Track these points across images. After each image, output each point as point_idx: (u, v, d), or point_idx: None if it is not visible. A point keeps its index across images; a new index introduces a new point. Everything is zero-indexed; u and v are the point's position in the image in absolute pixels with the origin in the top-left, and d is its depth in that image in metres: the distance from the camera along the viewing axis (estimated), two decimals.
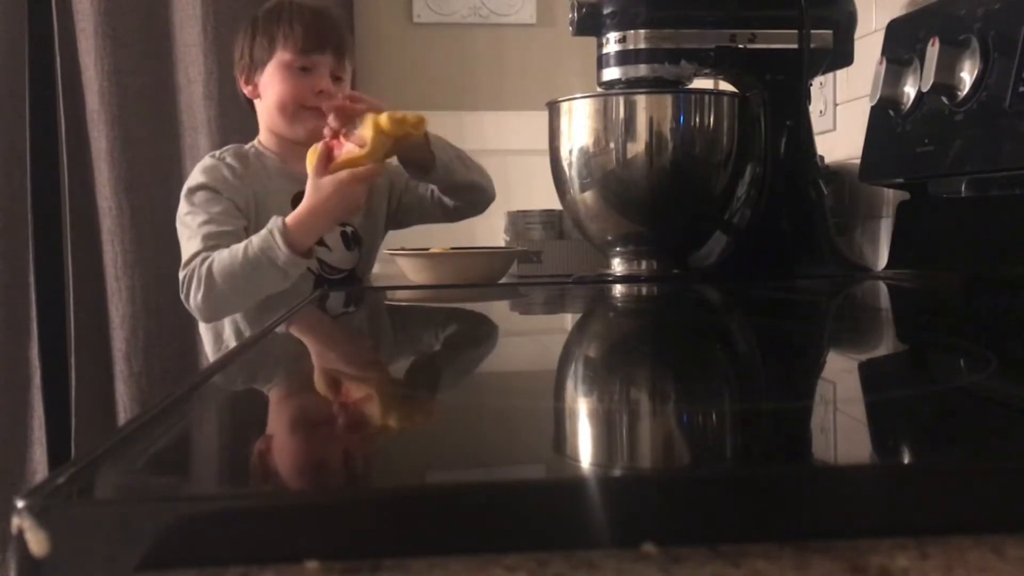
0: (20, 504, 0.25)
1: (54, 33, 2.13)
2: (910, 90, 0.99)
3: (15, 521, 0.25)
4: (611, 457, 0.34)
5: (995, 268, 0.90)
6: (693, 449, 0.34)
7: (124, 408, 2.15)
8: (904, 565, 0.25)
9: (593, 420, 0.40)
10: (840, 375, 0.54)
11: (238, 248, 1.27)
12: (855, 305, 0.94)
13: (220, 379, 0.49)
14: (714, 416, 0.40)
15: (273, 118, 1.44)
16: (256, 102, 1.47)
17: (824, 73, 1.17)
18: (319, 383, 0.52)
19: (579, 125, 1.11)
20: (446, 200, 1.48)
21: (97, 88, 2.11)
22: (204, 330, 1.50)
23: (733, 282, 1.07)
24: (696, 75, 1.11)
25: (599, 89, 1.13)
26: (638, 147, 1.07)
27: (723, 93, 1.13)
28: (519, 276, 1.31)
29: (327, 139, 1.28)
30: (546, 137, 1.16)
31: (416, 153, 1.37)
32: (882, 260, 1.15)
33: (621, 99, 1.08)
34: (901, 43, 1.02)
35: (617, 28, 1.08)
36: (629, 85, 1.09)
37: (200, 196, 1.36)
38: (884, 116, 1.04)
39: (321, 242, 1.41)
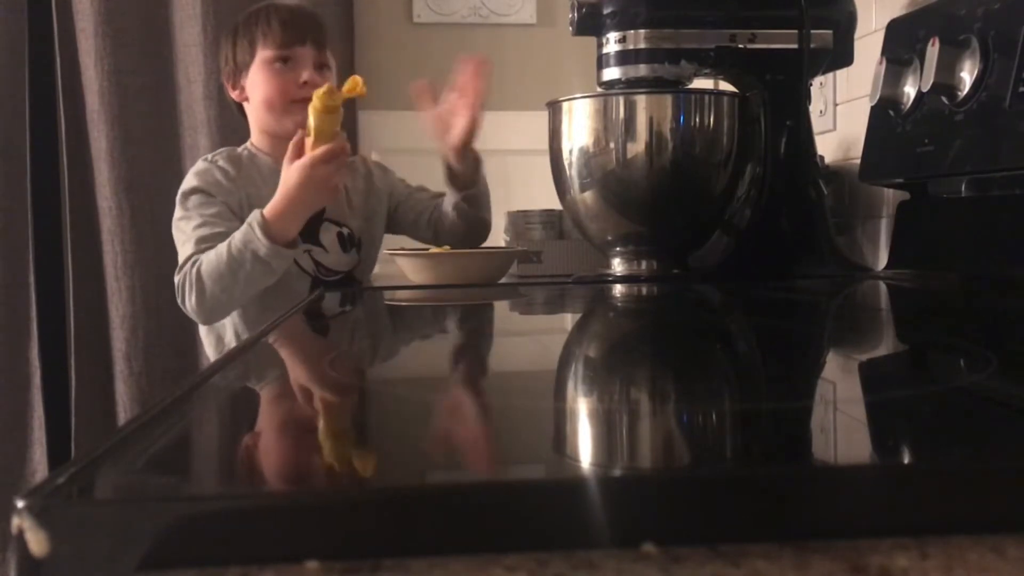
0: (20, 504, 0.25)
1: (54, 33, 2.13)
2: (910, 90, 0.99)
3: (15, 521, 0.25)
4: (611, 457, 0.34)
5: (995, 268, 0.90)
6: (693, 449, 0.34)
7: (124, 408, 2.15)
8: (904, 565, 0.25)
9: (593, 420, 0.40)
10: (840, 375, 0.54)
11: (223, 247, 1.28)
12: (855, 305, 0.94)
13: (220, 379, 0.49)
14: (714, 416, 0.40)
15: (262, 117, 1.45)
16: (245, 105, 1.49)
17: (824, 73, 1.17)
18: (318, 384, 0.52)
19: (579, 125, 1.11)
20: (447, 224, 1.50)
21: (97, 88, 2.11)
22: (205, 333, 1.50)
23: (733, 282, 1.07)
24: (696, 75, 1.11)
25: (599, 89, 1.13)
26: (638, 147, 1.07)
27: (723, 93, 1.13)
28: (519, 276, 1.31)
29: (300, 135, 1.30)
30: (546, 137, 1.16)
31: (468, 168, 1.43)
32: (882, 260, 1.15)
33: (621, 99, 1.08)
34: (901, 43, 1.02)
35: (617, 28, 1.08)
36: (629, 85, 1.09)
37: (193, 200, 1.37)
38: (884, 116, 1.04)
39: (318, 243, 1.41)
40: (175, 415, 0.39)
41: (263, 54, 1.42)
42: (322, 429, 0.39)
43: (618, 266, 1.15)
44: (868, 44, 1.15)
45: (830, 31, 1.10)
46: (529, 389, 0.50)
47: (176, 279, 1.32)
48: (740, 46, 1.08)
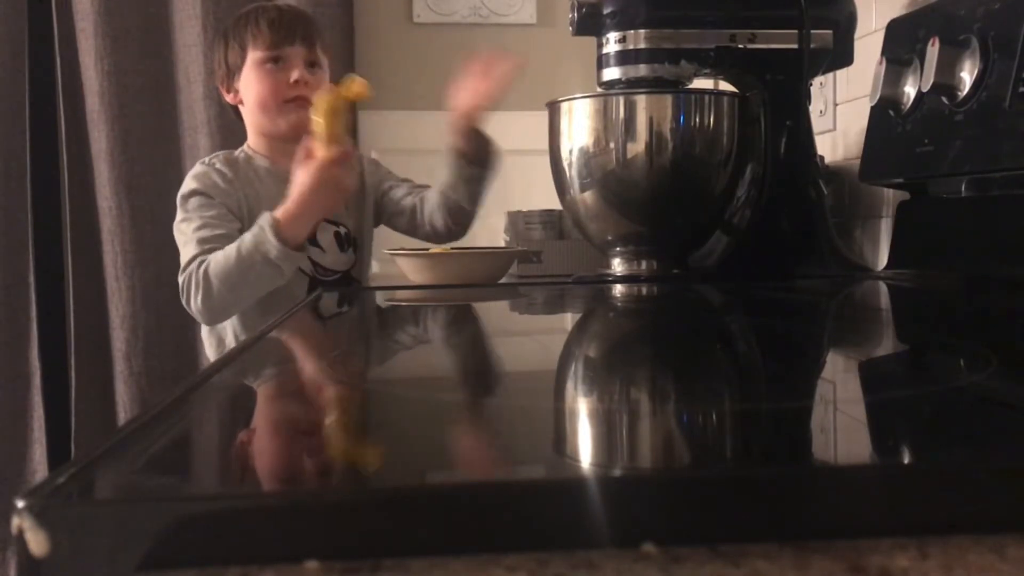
0: (20, 504, 0.25)
1: (54, 33, 2.13)
2: (910, 90, 0.99)
3: (15, 521, 0.25)
4: (611, 457, 0.34)
5: (995, 268, 0.90)
6: (693, 449, 0.34)
7: (124, 408, 2.16)
8: (904, 565, 0.25)
9: (593, 420, 0.40)
10: (840, 375, 0.54)
11: (232, 248, 1.28)
12: (855, 305, 0.94)
13: (220, 379, 0.49)
14: (714, 416, 0.40)
15: (257, 118, 1.46)
16: (240, 108, 1.49)
17: (824, 73, 1.17)
18: (318, 384, 0.52)
19: (579, 125, 1.11)
20: (426, 210, 1.48)
21: (97, 88, 2.11)
22: (206, 334, 1.50)
23: (733, 282, 1.07)
24: (696, 75, 1.11)
25: (599, 89, 1.13)
26: (638, 147, 1.07)
27: (723, 93, 1.13)
28: (519, 276, 1.31)
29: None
30: (546, 137, 1.16)
31: (472, 145, 1.40)
32: (882, 260, 1.15)
33: (621, 99, 1.08)
34: (901, 43, 1.02)
35: (617, 28, 1.08)
36: (629, 85, 1.09)
37: (193, 202, 1.37)
38: (884, 116, 1.04)
39: (315, 243, 1.41)
40: (175, 415, 0.39)
41: (254, 56, 1.42)
42: (322, 429, 0.39)
43: (618, 266, 1.15)
44: (868, 44, 1.15)
45: (830, 31, 1.10)
46: (529, 389, 0.50)
47: (180, 279, 1.32)
48: (740, 46, 1.08)
